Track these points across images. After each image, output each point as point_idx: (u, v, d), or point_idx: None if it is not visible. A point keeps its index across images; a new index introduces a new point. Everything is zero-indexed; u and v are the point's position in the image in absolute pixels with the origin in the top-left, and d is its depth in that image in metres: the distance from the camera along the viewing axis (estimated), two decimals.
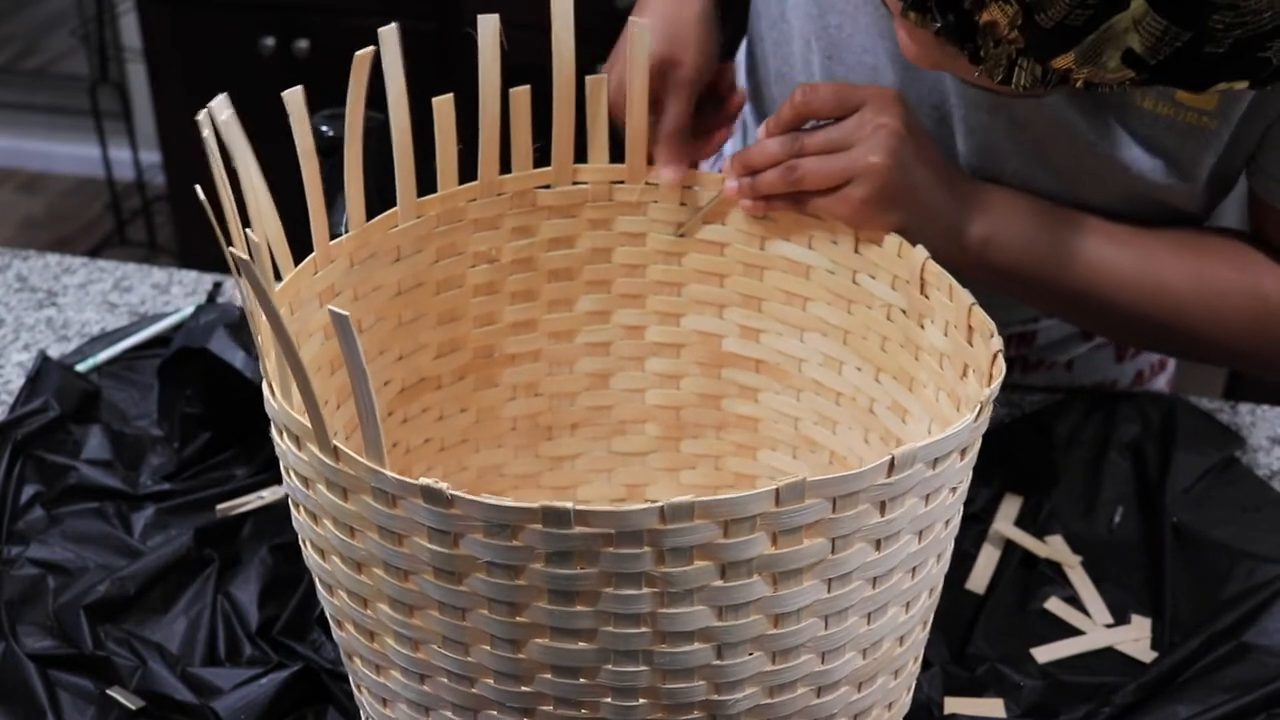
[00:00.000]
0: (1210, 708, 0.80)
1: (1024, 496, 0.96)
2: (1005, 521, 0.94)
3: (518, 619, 0.58)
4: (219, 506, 0.91)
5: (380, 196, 0.76)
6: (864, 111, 0.77)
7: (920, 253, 0.73)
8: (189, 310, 1.09)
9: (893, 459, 0.57)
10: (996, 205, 0.83)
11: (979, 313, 0.67)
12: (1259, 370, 0.91)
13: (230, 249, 0.54)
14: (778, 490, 0.55)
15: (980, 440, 0.63)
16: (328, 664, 0.80)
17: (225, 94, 0.61)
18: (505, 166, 0.80)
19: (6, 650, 0.80)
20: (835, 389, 0.82)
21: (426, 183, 0.77)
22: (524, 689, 0.60)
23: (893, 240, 0.75)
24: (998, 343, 0.64)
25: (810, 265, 0.80)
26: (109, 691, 0.78)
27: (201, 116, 0.58)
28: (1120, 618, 0.88)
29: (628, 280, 0.85)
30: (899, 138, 0.77)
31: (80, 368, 1.04)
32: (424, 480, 0.55)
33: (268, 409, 0.62)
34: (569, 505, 0.54)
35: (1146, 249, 0.85)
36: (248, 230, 0.57)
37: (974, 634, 0.85)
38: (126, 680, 0.79)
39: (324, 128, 0.86)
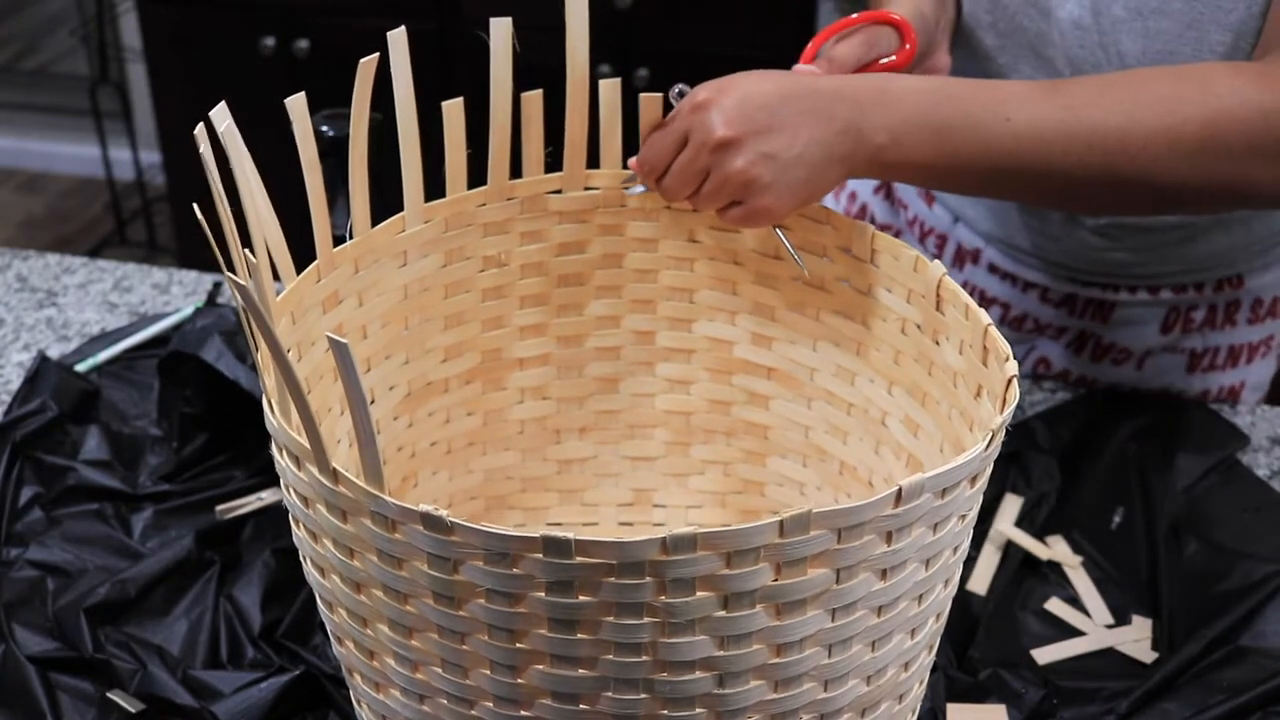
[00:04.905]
0: (1207, 708, 0.80)
1: (1024, 496, 0.95)
2: (1006, 522, 0.94)
3: (517, 645, 0.57)
4: (218, 508, 0.90)
5: (379, 195, 0.75)
6: (694, 135, 0.74)
7: (937, 268, 0.72)
8: (189, 310, 1.09)
9: (900, 490, 0.55)
10: (897, 102, 0.75)
11: (995, 334, 0.66)
12: (1249, 197, 0.78)
13: (229, 274, 0.53)
14: (782, 522, 0.54)
15: (991, 466, 0.62)
16: (330, 669, 0.80)
17: (224, 103, 0.60)
18: (515, 171, 0.79)
19: (6, 653, 0.80)
20: (847, 399, 0.80)
21: (428, 186, 0.76)
22: (523, 713, 0.59)
23: (909, 254, 0.74)
24: (1012, 367, 0.63)
25: (824, 275, 0.79)
26: (109, 694, 0.78)
27: (199, 131, 0.57)
28: (1121, 618, 0.88)
29: (639, 285, 0.84)
30: (740, 140, 0.73)
31: (80, 368, 1.03)
32: (423, 506, 0.54)
33: (268, 426, 0.61)
34: (570, 536, 0.53)
35: (1070, 95, 0.76)
36: (246, 251, 0.56)
37: (975, 636, 0.85)
38: (126, 683, 0.79)
39: (324, 128, 0.85)
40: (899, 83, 0.76)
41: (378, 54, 0.67)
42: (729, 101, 0.73)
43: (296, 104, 0.66)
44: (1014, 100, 0.76)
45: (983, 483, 0.61)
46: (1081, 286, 1.04)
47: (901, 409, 0.76)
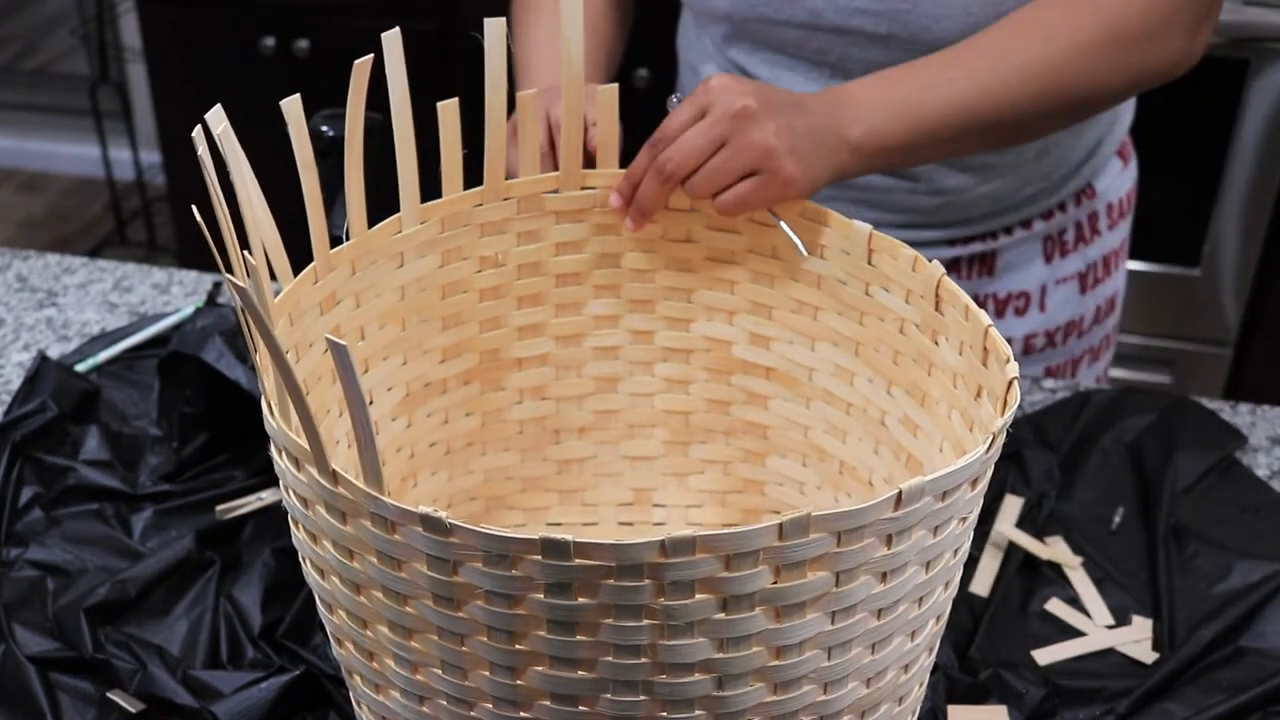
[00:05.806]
0: (1207, 708, 0.80)
1: (1024, 497, 0.95)
2: (1006, 523, 0.93)
3: (517, 647, 0.57)
4: (219, 508, 0.90)
5: (379, 195, 0.75)
6: (715, 108, 0.77)
7: (936, 268, 0.72)
8: (189, 311, 1.09)
9: (900, 493, 0.55)
10: (855, 97, 0.83)
11: (995, 335, 0.66)
12: (1154, 78, 0.90)
13: (228, 276, 0.53)
14: (781, 525, 0.53)
15: (992, 469, 0.61)
16: (330, 669, 0.80)
17: (220, 105, 0.60)
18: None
19: (6, 653, 0.80)
20: (846, 399, 0.80)
21: (425, 187, 0.76)
22: (523, 715, 0.59)
23: (907, 253, 0.74)
24: (1013, 369, 0.63)
25: (822, 275, 0.79)
26: (109, 694, 0.78)
27: (196, 133, 0.57)
28: (1121, 619, 0.88)
29: (636, 285, 0.84)
30: (761, 111, 0.77)
31: (80, 368, 1.03)
32: (423, 508, 0.54)
33: (267, 428, 0.61)
34: (569, 538, 0.53)
35: (987, 45, 0.86)
36: (245, 253, 0.56)
37: (976, 637, 0.85)
38: (126, 683, 0.79)
39: (324, 128, 0.85)
40: (848, 85, 0.84)
41: (372, 55, 0.67)
42: (748, 85, 0.77)
43: (291, 106, 0.66)
44: (945, 65, 0.85)
45: (983, 485, 0.61)
46: (962, 245, 1.08)
47: (900, 409, 0.76)
